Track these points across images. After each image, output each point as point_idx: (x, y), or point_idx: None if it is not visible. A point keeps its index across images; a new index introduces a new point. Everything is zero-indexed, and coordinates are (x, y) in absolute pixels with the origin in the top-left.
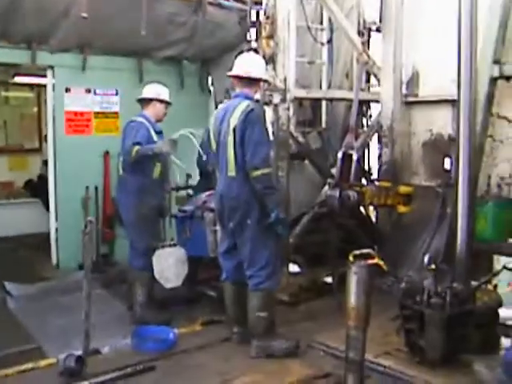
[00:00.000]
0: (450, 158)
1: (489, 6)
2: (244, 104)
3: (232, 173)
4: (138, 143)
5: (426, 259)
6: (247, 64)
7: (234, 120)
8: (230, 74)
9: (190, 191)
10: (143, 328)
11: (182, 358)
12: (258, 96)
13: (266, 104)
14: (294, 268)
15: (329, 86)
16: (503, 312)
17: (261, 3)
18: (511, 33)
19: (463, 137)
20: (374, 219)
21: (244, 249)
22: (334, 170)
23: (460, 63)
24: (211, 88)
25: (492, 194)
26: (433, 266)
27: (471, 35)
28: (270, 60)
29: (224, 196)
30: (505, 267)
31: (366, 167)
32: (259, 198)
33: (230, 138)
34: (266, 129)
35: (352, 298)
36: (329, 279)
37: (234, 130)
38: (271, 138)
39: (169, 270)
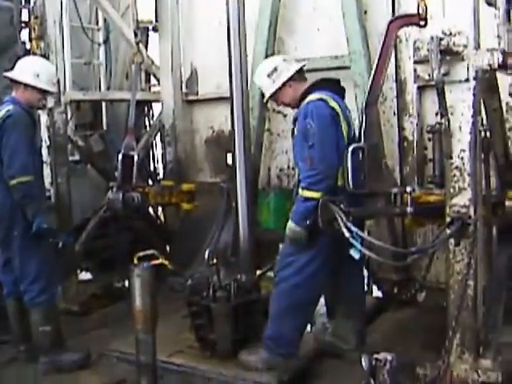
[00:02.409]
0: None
1: (259, 7)
2: (4, 110)
3: None
4: None
5: (206, 255)
6: (17, 66)
7: None
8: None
9: None
10: None
11: None
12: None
13: (40, 108)
14: (85, 275)
15: (108, 87)
16: None
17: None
18: (281, 30)
19: (238, 132)
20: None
21: (14, 262)
22: (116, 173)
23: (231, 62)
24: None
25: (273, 185)
26: (214, 261)
27: (239, 35)
28: None
29: None
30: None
31: (152, 168)
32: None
33: None
34: (29, 135)
35: (137, 301)
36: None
37: None
38: (46, 143)
39: None
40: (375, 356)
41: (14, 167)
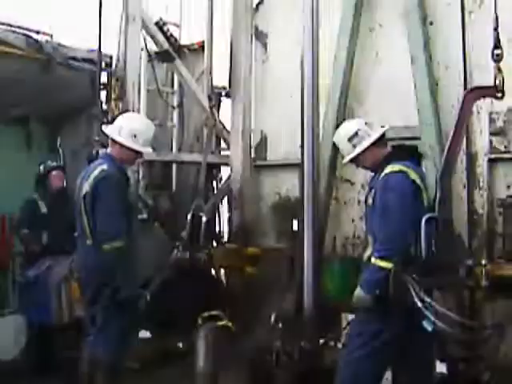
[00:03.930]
0: (298, 219)
1: (332, 73)
2: (99, 169)
3: (89, 241)
4: None
5: (272, 319)
6: (116, 123)
7: (87, 186)
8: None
9: None
10: None
11: None
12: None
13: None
14: (144, 334)
15: (180, 149)
16: None
17: (111, 65)
18: (352, 99)
19: (307, 199)
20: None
21: (97, 318)
22: (184, 233)
23: (303, 129)
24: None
25: (338, 254)
26: (280, 326)
27: (313, 103)
28: None
29: (83, 264)
30: (349, 323)
31: (217, 230)
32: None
33: (82, 205)
34: (124, 196)
35: (200, 362)
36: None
37: (85, 196)
38: None
39: (5, 340)
40: None
41: (108, 232)
